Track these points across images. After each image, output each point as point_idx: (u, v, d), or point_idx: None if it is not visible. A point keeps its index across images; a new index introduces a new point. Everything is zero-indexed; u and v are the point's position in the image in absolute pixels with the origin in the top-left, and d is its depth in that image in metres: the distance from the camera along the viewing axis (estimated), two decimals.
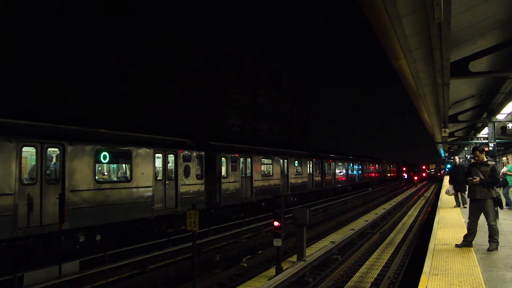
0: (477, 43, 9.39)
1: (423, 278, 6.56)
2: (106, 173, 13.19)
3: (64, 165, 11.13)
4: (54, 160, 11.30)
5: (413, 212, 24.90)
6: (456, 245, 8.66)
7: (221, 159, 18.74)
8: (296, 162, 27.70)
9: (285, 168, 25.61)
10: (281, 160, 25.12)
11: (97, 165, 12.24)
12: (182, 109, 44.14)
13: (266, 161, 23.31)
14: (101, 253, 11.53)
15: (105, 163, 12.79)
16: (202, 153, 17.12)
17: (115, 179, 13.39)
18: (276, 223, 9.66)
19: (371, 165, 55.10)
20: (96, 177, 12.14)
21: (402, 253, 12.92)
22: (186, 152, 16.05)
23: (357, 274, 10.51)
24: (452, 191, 16.06)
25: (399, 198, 33.41)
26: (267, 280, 8.84)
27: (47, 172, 10.89)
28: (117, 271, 10.91)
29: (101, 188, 12.18)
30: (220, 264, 12.06)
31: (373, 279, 10.09)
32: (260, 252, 13.24)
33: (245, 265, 11.43)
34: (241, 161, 20.50)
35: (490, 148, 16.88)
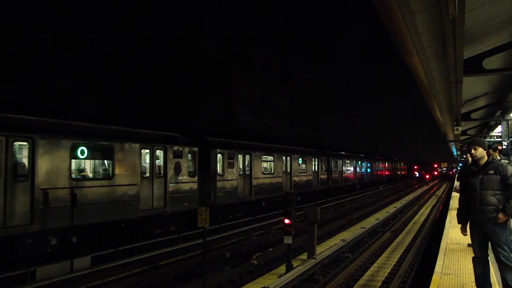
0: (491, 40, 9.25)
1: (434, 277, 6.51)
2: (83, 170, 12.18)
3: (34, 161, 10.29)
4: (22, 155, 10.47)
5: (424, 211, 24.70)
6: (469, 245, 8.55)
7: (216, 156, 17.76)
8: (301, 159, 26.80)
9: (288, 165, 24.73)
10: (283, 157, 24.21)
11: (73, 161, 11.37)
12: (186, 105, 43.94)
13: (267, 158, 22.40)
14: (112, 249, 11.65)
15: (83, 158, 11.82)
16: (195, 149, 16.14)
17: (94, 176, 12.48)
18: (286, 221, 9.65)
19: (380, 163, 54.55)
20: (72, 174, 11.32)
21: (414, 252, 12.83)
22: (177, 148, 15.09)
23: (368, 272, 10.45)
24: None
25: (410, 196, 33.15)
26: (277, 277, 8.84)
27: (14, 168, 10.01)
28: (128, 267, 11.00)
29: (77, 186, 11.20)
30: (230, 261, 12.09)
31: (384, 277, 10.02)
32: (270, 249, 13.25)
33: (255, 262, 11.44)
34: (239, 158, 19.51)
35: (504, 147, 16.67)
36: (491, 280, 5.70)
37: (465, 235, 5.71)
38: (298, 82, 67.46)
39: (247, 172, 20.20)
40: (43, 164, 10.52)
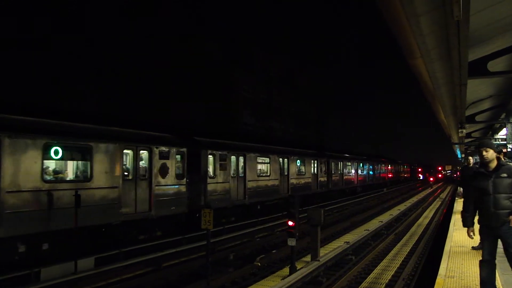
0: (496, 42, 9.23)
1: (438, 280, 6.49)
2: (57, 172, 11.36)
3: (1, 162, 9.52)
4: None
5: (428, 214, 24.60)
6: (473, 248, 8.54)
7: (207, 157, 16.87)
8: (299, 161, 26.06)
9: (285, 167, 23.85)
10: (280, 158, 23.36)
11: (45, 161, 10.64)
12: (185, 105, 43.60)
13: (262, 159, 21.47)
14: (116, 250, 11.68)
15: (57, 159, 11.07)
16: (184, 149, 15.38)
17: (70, 178, 11.60)
18: (290, 223, 9.65)
19: (383, 165, 54.03)
20: (45, 176, 10.57)
21: (417, 254, 12.79)
22: (164, 148, 14.33)
23: (371, 275, 10.43)
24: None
25: (414, 199, 33.05)
26: (281, 279, 8.83)
27: None
28: (131, 268, 11.02)
29: (50, 188, 10.48)
30: (233, 263, 12.09)
31: (387, 280, 10.00)
32: (274, 251, 13.24)
33: (259, 264, 11.43)
34: (232, 159, 18.60)
35: (509, 150, 16.61)
36: (496, 284, 5.67)
37: (472, 238, 5.63)
38: (299, 82, 67.33)
39: (241, 175, 19.38)
40: (11, 165, 9.74)
